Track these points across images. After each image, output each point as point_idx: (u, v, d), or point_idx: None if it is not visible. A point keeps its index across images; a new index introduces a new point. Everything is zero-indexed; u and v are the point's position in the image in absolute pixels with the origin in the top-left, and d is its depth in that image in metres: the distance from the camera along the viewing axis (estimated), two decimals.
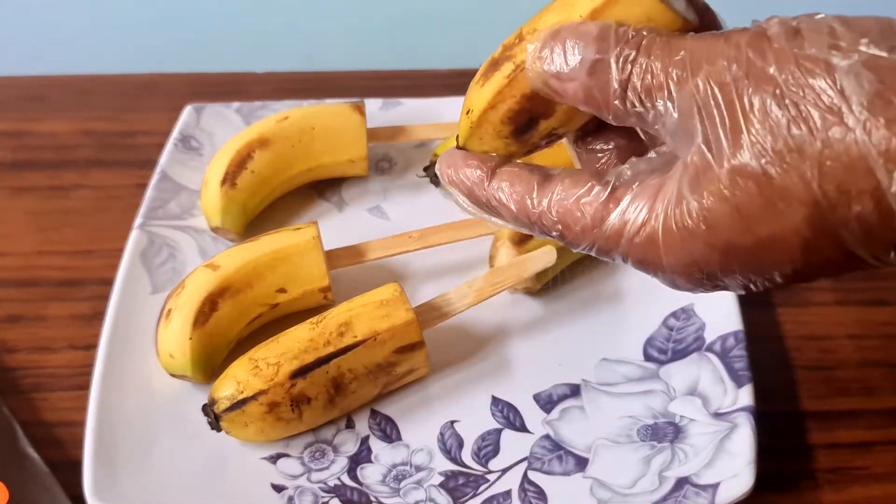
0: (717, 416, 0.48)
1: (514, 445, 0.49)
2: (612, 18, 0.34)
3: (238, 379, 0.47)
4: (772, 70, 0.30)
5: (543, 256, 0.52)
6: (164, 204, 0.59)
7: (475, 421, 0.50)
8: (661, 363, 0.51)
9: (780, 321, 0.55)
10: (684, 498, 0.45)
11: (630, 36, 0.33)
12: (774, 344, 0.54)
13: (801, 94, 0.29)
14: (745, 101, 0.30)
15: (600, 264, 0.56)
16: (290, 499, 0.46)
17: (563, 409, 0.50)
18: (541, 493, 0.47)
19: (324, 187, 0.62)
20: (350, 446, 0.49)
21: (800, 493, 0.48)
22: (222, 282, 0.51)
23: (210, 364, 0.51)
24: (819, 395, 0.52)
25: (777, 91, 0.30)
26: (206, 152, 0.62)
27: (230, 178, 0.57)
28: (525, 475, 0.47)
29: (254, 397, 0.47)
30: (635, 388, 0.51)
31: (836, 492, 0.48)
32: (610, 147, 0.37)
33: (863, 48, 0.29)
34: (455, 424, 0.50)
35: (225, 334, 0.51)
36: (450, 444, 0.49)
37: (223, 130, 0.63)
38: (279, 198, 0.60)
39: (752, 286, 0.33)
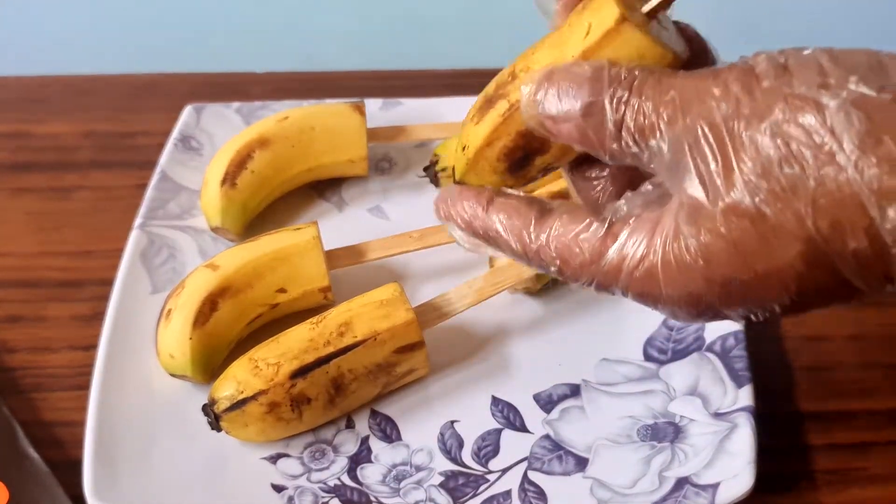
0: (717, 416, 0.48)
1: (514, 445, 0.49)
2: (604, 57, 0.34)
3: (238, 379, 0.47)
4: (761, 109, 0.30)
5: None
6: (164, 204, 0.59)
7: (475, 421, 0.50)
8: (661, 363, 0.51)
9: (780, 321, 0.55)
10: (684, 498, 0.45)
11: (623, 76, 0.33)
12: (774, 344, 0.54)
13: (792, 132, 0.30)
14: (736, 139, 0.31)
15: None
16: (290, 499, 0.46)
17: (563, 409, 0.50)
18: (541, 494, 0.47)
19: (324, 187, 0.62)
20: (350, 446, 0.49)
21: (799, 494, 0.48)
22: (222, 282, 0.51)
23: (210, 364, 0.51)
24: (819, 395, 0.52)
25: (768, 130, 0.30)
26: (206, 152, 0.62)
27: (230, 178, 0.57)
28: (525, 475, 0.48)
29: (254, 397, 0.47)
30: (635, 388, 0.51)
31: (836, 492, 0.48)
32: (605, 174, 0.38)
33: (852, 86, 0.30)
34: (455, 424, 0.50)
35: (225, 334, 0.51)
36: (450, 444, 0.49)
37: (223, 130, 0.63)
38: (279, 198, 0.60)
39: (751, 317, 0.33)
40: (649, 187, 0.35)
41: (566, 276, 0.35)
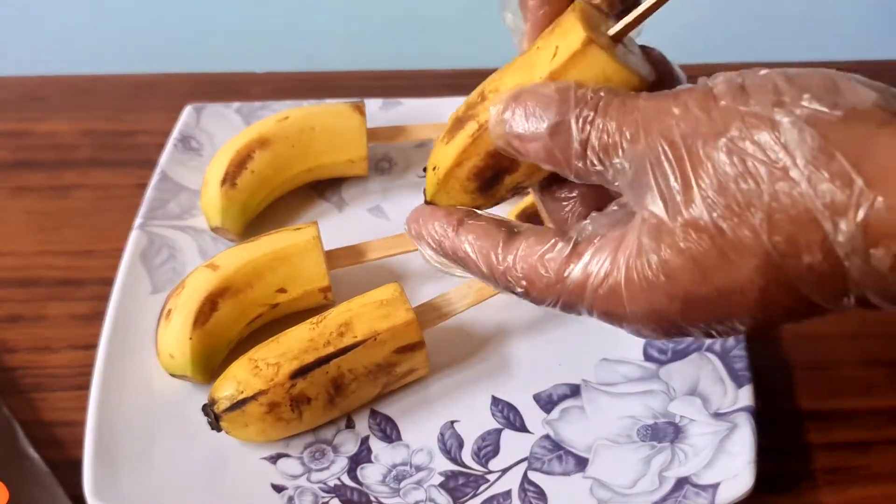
0: (717, 416, 0.48)
1: (514, 445, 0.49)
2: (570, 79, 0.35)
3: (238, 379, 0.47)
4: (719, 127, 0.31)
5: None
6: (164, 204, 0.59)
7: (475, 421, 0.50)
8: (661, 363, 0.51)
9: None
10: (684, 498, 0.45)
11: (589, 97, 0.34)
12: (774, 344, 0.54)
13: (748, 149, 0.30)
14: (695, 157, 0.31)
15: None
16: (290, 499, 0.46)
17: (563, 409, 0.50)
18: (541, 494, 0.47)
19: (324, 187, 0.62)
20: (350, 446, 0.49)
21: (799, 493, 0.48)
22: (222, 282, 0.51)
23: (210, 364, 0.51)
24: (818, 394, 0.52)
25: (724, 147, 0.31)
26: (206, 152, 0.62)
27: (230, 178, 0.57)
28: (525, 475, 0.48)
29: (254, 397, 0.47)
30: (635, 388, 0.51)
31: (836, 492, 0.48)
32: (574, 195, 0.38)
33: (805, 104, 0.30)
34: (455, 424, 0.50)
35: (225, 334, 0.51)
36: (450, 444, 0.49)
37: (223, 130, 0.63)
38: (279, 198, 0.60)
39: (714, 333, 0.34)
40: (615, 207, 0.36)
41: (532, 297, 0.36)
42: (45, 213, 0.62)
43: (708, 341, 0.51)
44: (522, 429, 0.50)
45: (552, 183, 0.38)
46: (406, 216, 0.59)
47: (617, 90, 0.34)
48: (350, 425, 0.50)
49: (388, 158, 0.64)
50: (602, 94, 0.34)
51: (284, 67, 0.73)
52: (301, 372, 0.47)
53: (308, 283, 0.52)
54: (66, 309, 0.57)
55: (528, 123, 0.34)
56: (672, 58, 0.38)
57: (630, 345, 0.52)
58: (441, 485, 0.47)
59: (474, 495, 0.47)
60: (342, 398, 0.48)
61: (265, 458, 0.48)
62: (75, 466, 0.47)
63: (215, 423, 0.48)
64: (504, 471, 0.48)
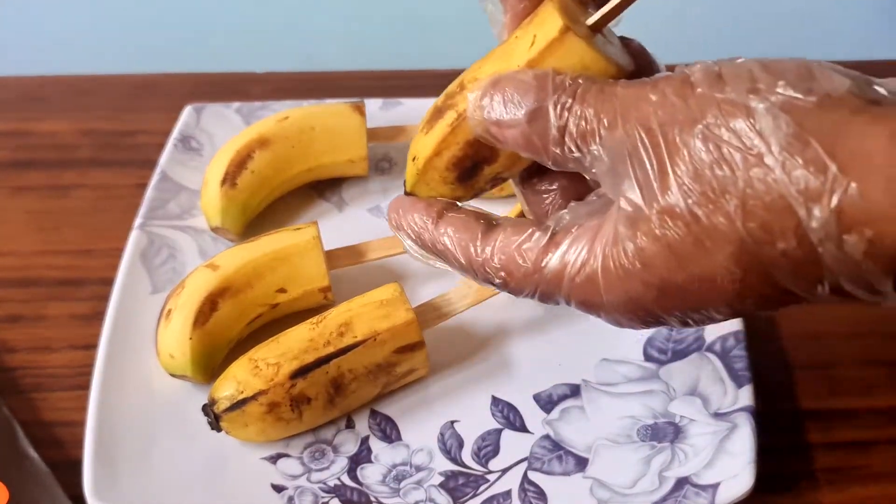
0: (717, 416, 0.48)
1: (514, 445, 0.49)
2: (548, 67, 0.35)
3: (238, 379, 0.47)
4: (695, 114, 0.31)
5: None
6: (164, 204, 0.59)
7: (475, 421, 0.50)
8: (661, 363, 0.51)
9: (780, 321, 0.55)
10: (684, 498, 0.45)
11: (567, 84, 0.34)
12: (774, 344, 0.54)
13: (723, 136, 0.31)
14: (671, 144, 0.31)
15: None
16: (290, 499, 0.46)
17: (563, 409, 0.50)
18: (541, 494, 0.47)
19: (324, 187, 0.62)
20: (350, 446, 0.49)
21: (800, 493, 0.48)
22: (222, 282, 0.51)
23: (210, 364, 0.51)
24: (819, 394, 0.52)
25: (700, 134, 0.31)
26: (206, 152, 0.62)
27: (230, 178, 0.57)
28: (525, 475, 0.48)
29: (254, 397, 0.47)
30: (635, 388, 0.51)
31: (836, 491, 0.48)
32: (554, 188, 0.38)
33: (780, 90, 0.30)
34: (455, 424, 0.50)
35: (225, 334, 0.51)
36: (450, 444, 0.49)
37: (223, 130, 0.63)
38: (279, 198, 0.60)
39: (690, 322, 0.34)
40: (594, 198, 0.36)
41: (511, 288, 0.36)
42: (45, 212, 0.62)
43: (708, 341, 0.51)
44: (522, 429, 0.50)
45: (533, 175, 0.38)
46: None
47: (595, 78, 0.34)
48: (350, 425, 0.50)
49: (388, 158, 0.64)
50: (580, 81, 0.34)
51: (284, 67, 0.73)
52: (301, 372, 0.47)
53: (308, 283, 0.52)
54: (66, 309, 0.57)
55: (506, 110, 0.34)
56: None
57: (630, 345, 0.52)
58: (441, 485, 0.47)
59: (474, 495, 0.47)
60: (342, 398, 0.48)
61: (265, 458, 0.48)
62: (75, 466, 0.47)
63: (215, 423, 0.48)
64: (504, 471, 0.48)
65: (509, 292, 0.36)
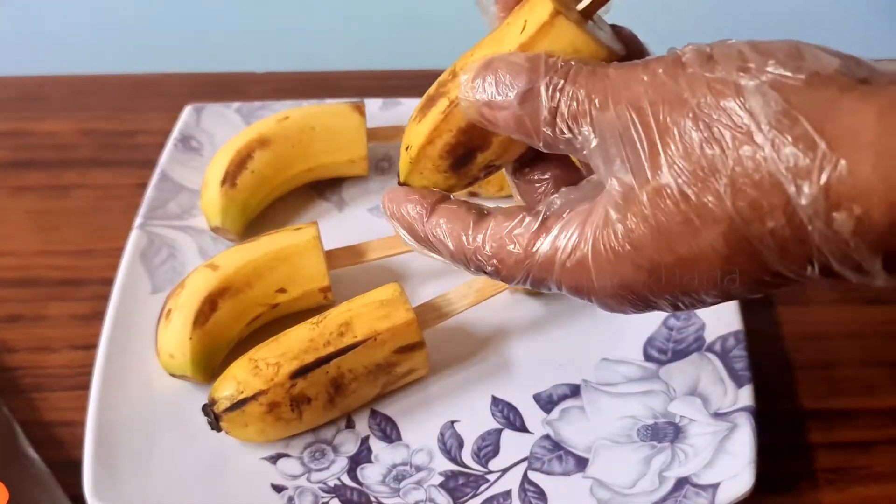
0: (717, 416, 0.48)
1: (514, 445, 0.49)
2: (539, 51, 0.35)
3: (238, 379, 0.47)
4: (685, 94, 0.31)
5: None
6: (164, 204, 0.59)
7: (475, 421, 0.50)
8: (661, 363, 0.51)
9: (780, 321, 0.55)
10: (684, 498, 0.45)
11: (559, 66, 0.34)
12: (774, 344, 0.54)
13: (713, 115, 0.31)
14: (661, 124, 0.31)
15: None
16: (290, 499, 0.46)
17: (563, 409, 0.50)
18: (541, 494, 0.47)
19: (324, 187, 0.62)
20: (350, 446, 0.49)
21: (800, 493, 0.48)
22: (222, 282, 0.51)
23: (210, 364, 0.51)
24: (819, 394, 0.52)
25: (691, 113, 0.31)
26: (206, 152, 0.62)
27: (230, 178, 0.57)
28: (525, 475, 0.48)
29: (254, 397, 0.47)
30: (635, 388, 0.51)
31: (837, 491, 0.48)
32: (546, 177, 0.38)
33: (770, 69, 0.30)
34: (455, 424, 0.50)
35: (225, 334, 0.51)
36: (450, 444, 0.49)
37: (223, 130, 0.63)
38: (279, 198, 0.60)
39: (680, 305, 0.34)
40: (585, 184, 0.36)
41: (502, 275, 0.36)
42: (45, 212, 0.62)
43: (708, 341, 0.51)
44: (522, 429, 0.50)
45: (525, 165, 0.38)
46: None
47: (586, 60, 0.34)
48: (350, 425, 0.50)
49: (388, 158, 0.64)
50: (572, 63, 0.34)
51: (284, 67, 0.73)
52: (301, 372, 0.47)
53: (308, 283, 0.52)
54: (66, 309, 0.57)
55: (497, 91, 0.34)
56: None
57: (630, 345, 0.52)
58: (441, 485, 0.47)
59: (474, 495, 0.47)
60: (342, 398, 0.48)
61: (265, 458, 0.48)
62: (75, 466, 0.47)
63: (215, 423, 0.48)
64: (504, 471, 0.48)
65: (502, 280, 0.36)
